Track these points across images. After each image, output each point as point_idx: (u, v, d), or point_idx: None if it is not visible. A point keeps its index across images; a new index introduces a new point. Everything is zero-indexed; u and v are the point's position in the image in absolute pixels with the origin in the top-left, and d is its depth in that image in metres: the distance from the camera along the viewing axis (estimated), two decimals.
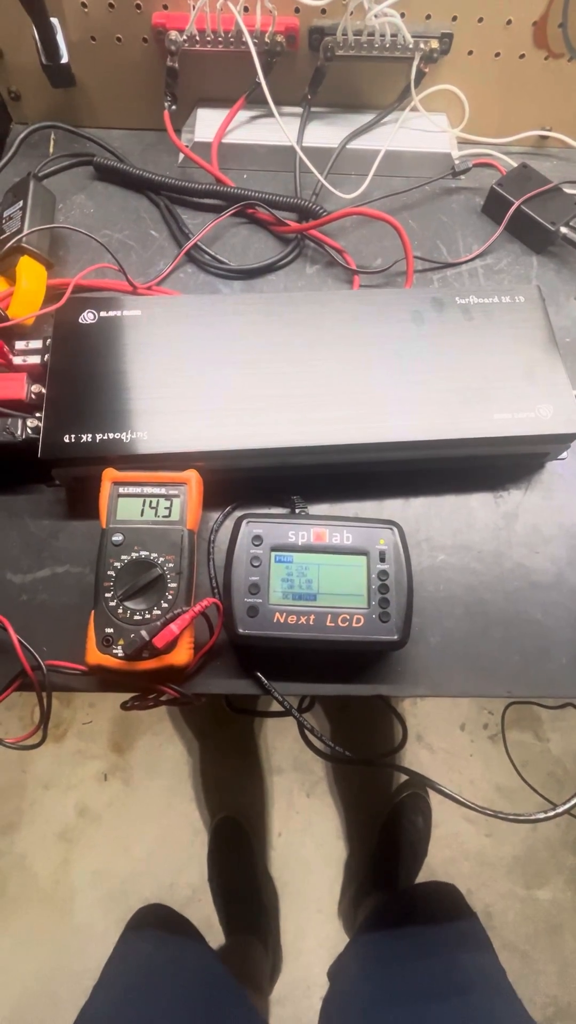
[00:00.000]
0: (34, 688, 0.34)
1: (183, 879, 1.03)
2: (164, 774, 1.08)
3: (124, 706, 0.36)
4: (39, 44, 0.43)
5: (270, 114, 0.52)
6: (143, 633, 0.32)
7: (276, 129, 0.51)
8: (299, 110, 0.52)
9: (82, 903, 1.02)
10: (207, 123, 0.51)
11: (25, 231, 0.41)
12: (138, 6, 0.45)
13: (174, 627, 0.32)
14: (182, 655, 0.33)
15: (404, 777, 1.03)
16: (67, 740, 1.12)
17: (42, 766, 1.10)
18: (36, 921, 1.00)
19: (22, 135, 0.48)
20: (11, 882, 1.02)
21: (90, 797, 1.07)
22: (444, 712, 1.11)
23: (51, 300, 0.41)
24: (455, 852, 1.05)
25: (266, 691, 0.35)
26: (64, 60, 0.44)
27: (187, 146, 0.50)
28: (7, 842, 1.05)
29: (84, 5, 0.45)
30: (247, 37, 0.43)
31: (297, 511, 0.39)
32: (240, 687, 0.35)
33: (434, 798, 1.04)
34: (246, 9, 0.44)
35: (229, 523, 0.39)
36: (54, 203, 0.46)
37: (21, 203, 0.43)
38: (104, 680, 0.34)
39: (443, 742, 1.08)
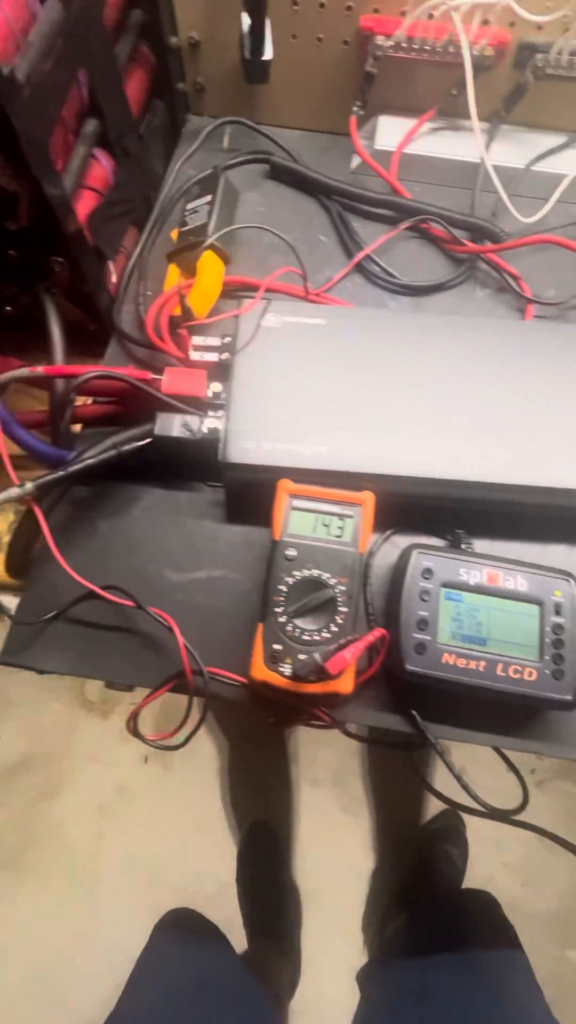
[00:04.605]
0: (186, 691, 0.34)
1: (210, 873, 1.03)
2: (203, 766, 1.09)
3: (270, 721, 0.35)
4: (247, 38, 0.42)
5: (453, 127, 0.50)
6: (316, 656, 0.31)
7: (458, 143, 0.49)
8: (485, 125, 0.50)
9: (110, 879, 1.03)
10: (388, 131, 0.50)
11: (212, 227, 0.41)
12: (349, 8, 0.44)
13: (347, 654, 0.31)
14: (347, 683, 0.32)
15: (439, 807, 1.00)
16: (113, 717, 1.13)
17: (88, 739, 1.12)
18: (66, 889, 1.02)
19: (209, 128, 0.47)
20: (47, 848, 1.04)
21: (130, 776, 1.09)
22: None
23: (223, 296, 0.40)
24: None
25: (419, 730, 0.34)
26: (268, 57, 0.43)
27: (366, 152, 0.49)
28: (46, 807, 1.07)
29: (295, 3, 0.44)
30: (465, 49, 0.41)
31: (463, 546, 0.37)
32: (390, 721, 0.34)
33: (473, 840, 1.01)
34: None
35: (388, 548, 0.38)
36: (237, 200, 0.45)
37: (209, 198, 0.43)
38: (259, 695, 0.34)
39: (487, 779, 1.05)
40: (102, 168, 0.40)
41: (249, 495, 0.38)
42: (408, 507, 0.38)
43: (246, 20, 0.42)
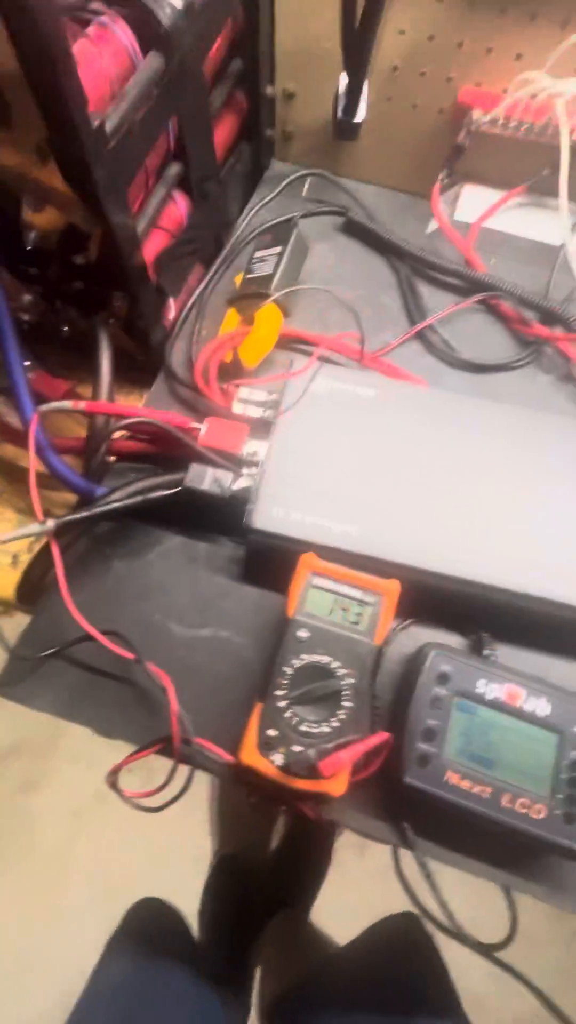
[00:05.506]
0: (171, 755, 0.33)
1: (178, 897, 1.00)
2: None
3: (250, 801, 0.34)
4: (341, 98, 0.42)
5: (538, 204, 0.49)
6: (310, 753, 0.29)
7: (541, 222, 0.48)
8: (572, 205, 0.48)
9: (76, 887, 1.02)
10: (470, 202, 0.49)
11: (277, 281, 0.41)
12: (449, 79, 0.43)
13: (344, 756, 0.29)
14: (339, 786, 0.30)
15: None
16: None
17: (75, 737, 1.12)
18: (30, 889, 1.01)
19: (290, 178, 0.47)
20: (17, 843, 1.04)
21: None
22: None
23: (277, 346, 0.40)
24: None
25: (408, 846, 0.31)
26: (360, 120, 0.43)
27: (446, 220, 0.48)
28: (24, 800, 1.07)
29: (395, 68, 0.44)
30: (564, 135, 0.40)
31: (485, 652, 0.35)
32: (378, 829, 0.32)
33: None
34: None
35: (404, 638, 0.36)
36: (306, 254, 0.45)
37: (279, 249, 0.42)
38: (244, 778, 0.32)
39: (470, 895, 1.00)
40: (178, 209, 0.40)
41: (269, 558, 0.36)
42: (432, 598, 0.36)
43: (344, 80, 0.42)
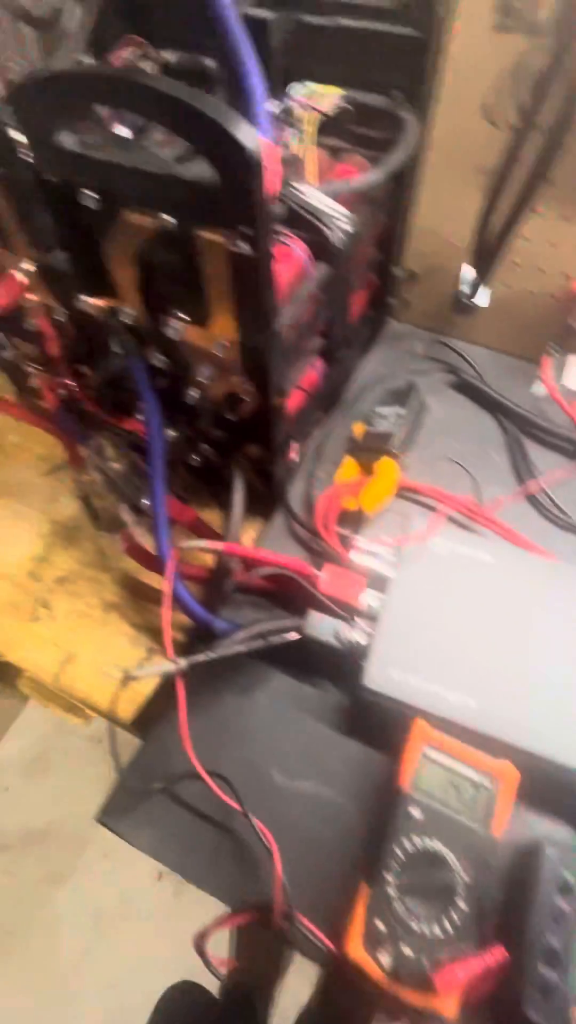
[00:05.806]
0: (268, 927, 0.31)
1: None
2: (217, 906, 0.99)
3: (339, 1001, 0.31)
4: (464, 283, 0.48)
5: None
6: (424, 962, 0.27)
7: None
8: None
9: (87, 998, 0.94)
10: None
11: (400, 440, 0.44)
12: (566, 275, 0.48)
13: (460, 972, 0.27)
14: (451, 1006, 0.27)
15: None
16: None
17: (107, 831, 1.07)
18: (39, 990, 0.94)
19: (409, 340, 0.53)
20: (36, 937, 0.98)
21: (138, 889, 1.02)
22: None
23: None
24: None
25: None
26: (484, 305, 0.48)
27: (555, 387, 0.51)
28: (48, 893, 1.02)
29: (517, 264, 0.49)
30: None
31: None
32: None
33: None
34: None
35: (513, 822, 0.34)
36: (424, 415, 0.48)
37: (401, 409, 0.46)
38: (343, 969, 0.30)
39: None
40: (315, 372, 0.45)
41: (379, 718, 0.36)
42: (551, 784, 0.34)
43: (469, 270, 0.48)
